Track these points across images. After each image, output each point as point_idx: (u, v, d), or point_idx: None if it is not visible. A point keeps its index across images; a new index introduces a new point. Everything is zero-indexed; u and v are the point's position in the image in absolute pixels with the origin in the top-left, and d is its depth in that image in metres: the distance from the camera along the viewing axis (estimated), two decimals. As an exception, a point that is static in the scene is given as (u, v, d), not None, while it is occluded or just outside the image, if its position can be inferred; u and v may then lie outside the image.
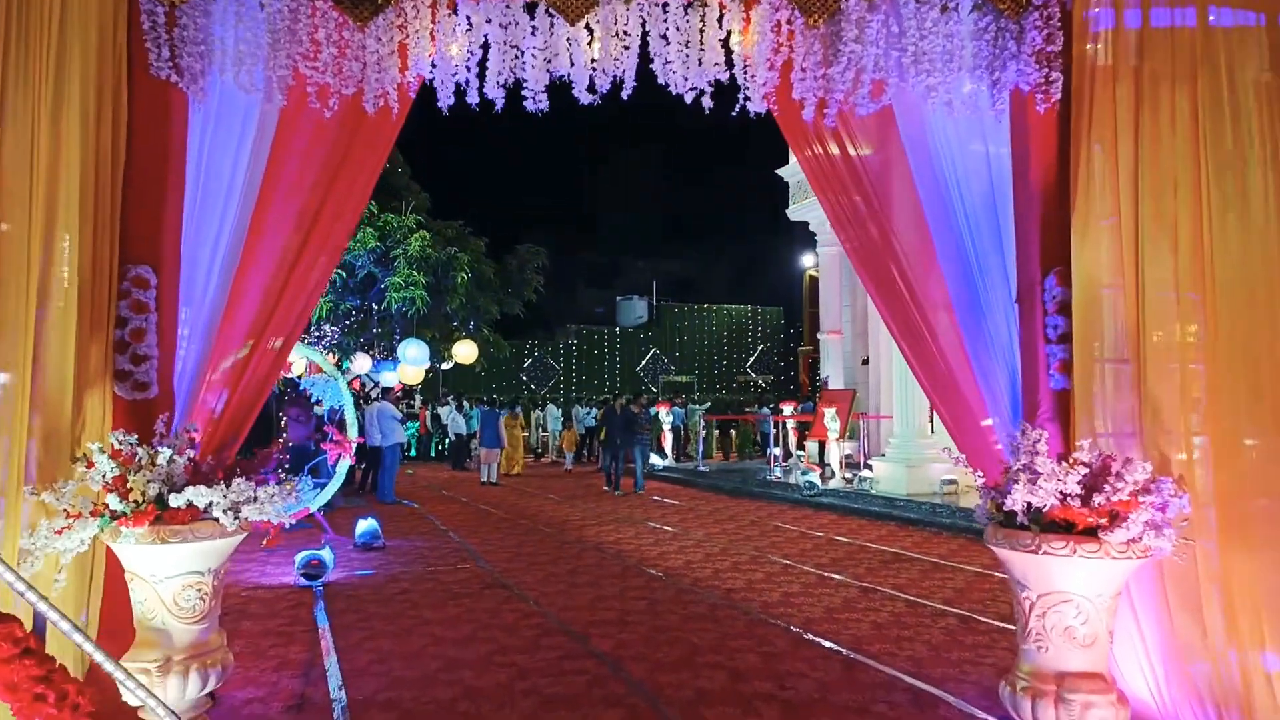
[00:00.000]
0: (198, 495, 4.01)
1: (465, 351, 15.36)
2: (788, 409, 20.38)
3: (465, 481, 19.72)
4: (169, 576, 4.08)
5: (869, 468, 14.92)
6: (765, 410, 24.72)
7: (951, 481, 13.33)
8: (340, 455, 11.14)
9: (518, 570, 9.23)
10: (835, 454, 14.85)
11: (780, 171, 21.62)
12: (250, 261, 4.73)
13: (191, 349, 4.67)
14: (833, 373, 20.70)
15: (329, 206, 4.88)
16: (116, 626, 4.25)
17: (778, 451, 20.18)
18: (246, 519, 4.14)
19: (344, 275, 12.75)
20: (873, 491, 13.95)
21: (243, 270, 4.72)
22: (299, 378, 11.93)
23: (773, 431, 19.16)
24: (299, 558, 8.42)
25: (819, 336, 21.18)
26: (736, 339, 40.43)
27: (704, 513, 14.19)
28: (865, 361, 20.77)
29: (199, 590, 4.16)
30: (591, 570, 9.21)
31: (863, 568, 9.37)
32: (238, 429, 4.71)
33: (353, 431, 11.21)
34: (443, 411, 26.17)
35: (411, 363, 13.32)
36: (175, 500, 3.99)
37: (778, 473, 17.75)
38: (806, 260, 33.28)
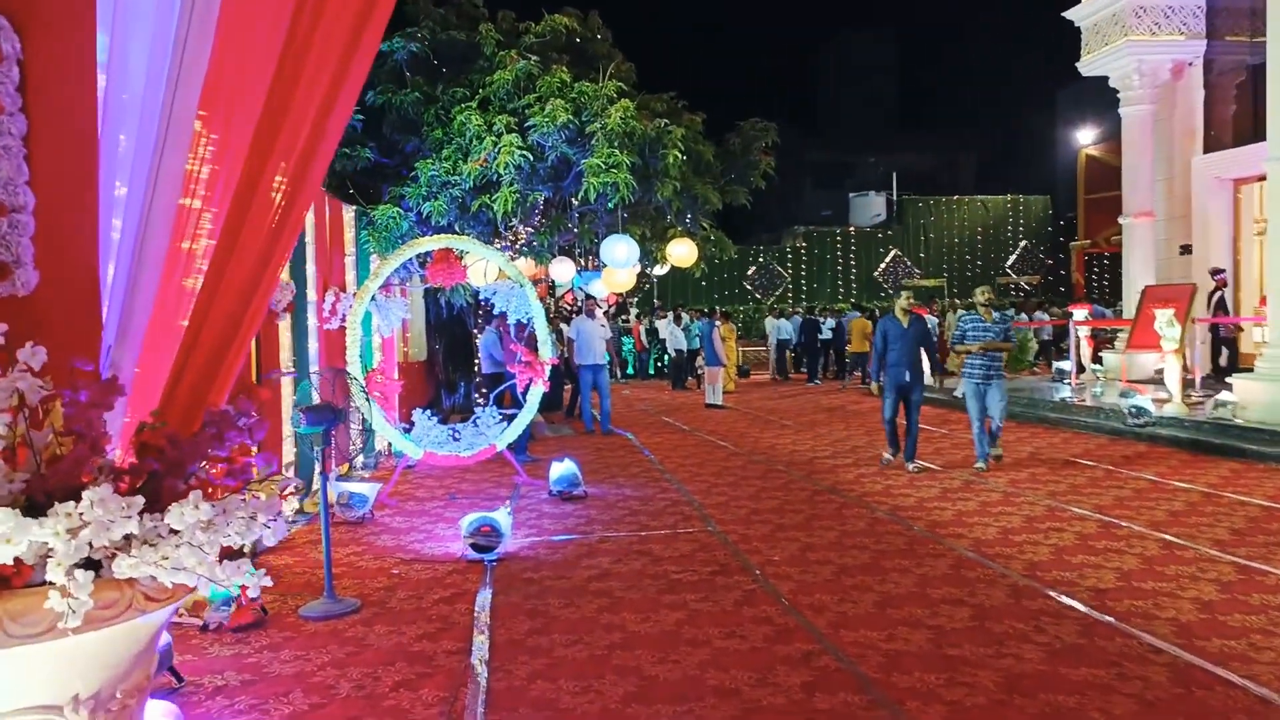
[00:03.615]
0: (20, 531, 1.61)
1: (682, 252, 12.75)
2: (1079, 313, 16.40)
3: (686, 405, 17.41)
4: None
5: (1228, 387, 11.01)
6: (1045, 315, 20.59)
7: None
8: (531, 380, 8.94)
9: (760, 540, 6.63)
10: (1174, 371, 11.07)
11: (1069, 15, 17.10)
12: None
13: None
14: (1140, 264, 16.37)
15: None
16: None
17: (1064, 365, 16.34)
18: (157, 585, 1.71)
19: (530, 158, 10.35)
20: (1237, 420, 10.14)
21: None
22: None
23: (1072, 341, 15.28)
24: (467, 522, 6.24)
25: (1121, 220, 16.77)
26: (993, 235, 35.27)
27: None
28: (1185, 250, 16.27)
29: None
30: (867, 545, 6.45)
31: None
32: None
33: (546, 350, 8.96)
34: (660, 325, 23.97)
35: (618, 263, 10.90)
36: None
37: (1067, 392, 14.04)
38: (1083, 136, 27.90)
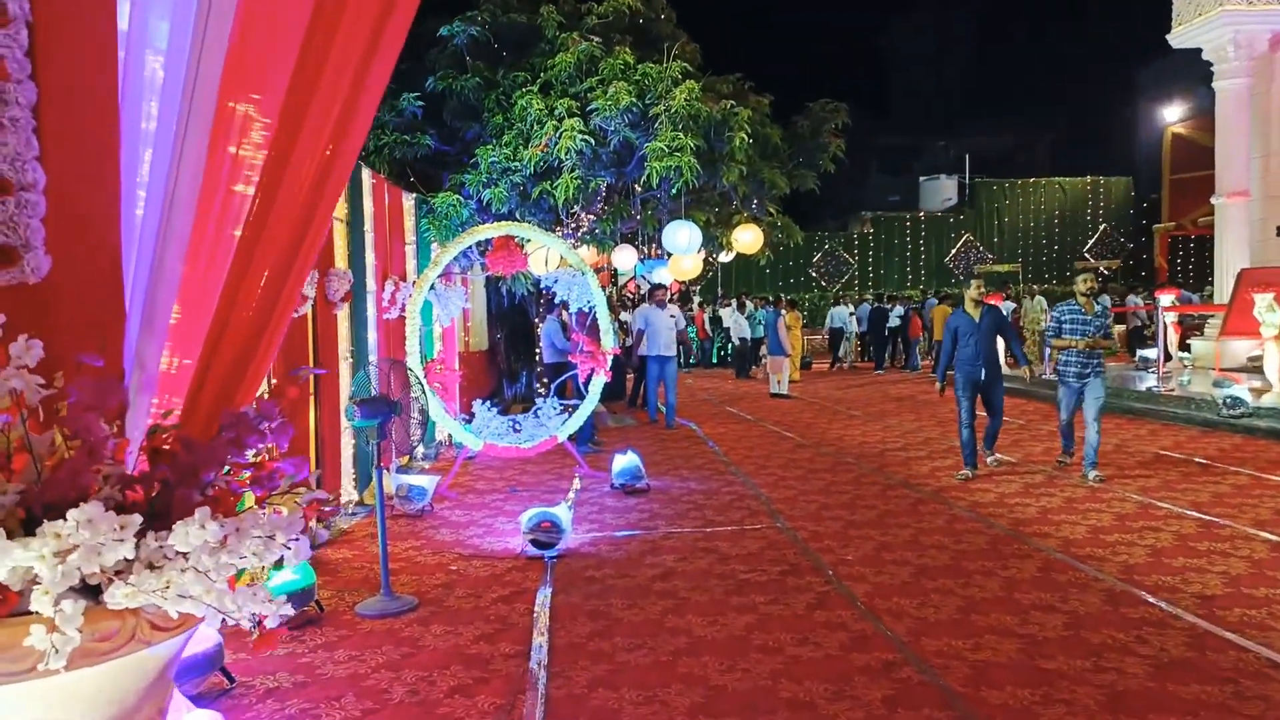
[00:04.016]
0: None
1: (748, 238, 12.41)
2: (1166, 298, 15.63)
3: (750, 394, 17.06)
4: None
5: (1335, 377, 10.30)
6: (1137, 300, 19.67)
7: None
8: (593, 370, 8.73)
9: (831, 537, 6.32)
10: (1274, 358, 10.38)
11: (1159, -16, 16.23)
12: None
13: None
14: (1233, 247, 15.50)
15: None
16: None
17: (1149, 354, 15.60)
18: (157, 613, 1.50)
19: (592, 143, 10.12)
20: (1347, 414, 9.46)
21: None
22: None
23: (1159, 328, 14.53)
24: (526, 517, 6.06)
25: (1213, 201, 15.89)
26: (1071, 218, 33.93)
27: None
28: (1284, 231, 15.34)
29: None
30: (946, 544, 6.10)
31: None
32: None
33: (608, 340, 8.74)
34: (724, 313, 23.65)
35: (681, 249, 10.61)
36: None
37: (1153, 382, 13.33)
38: (1169, 113, 26.66)
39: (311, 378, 6.34)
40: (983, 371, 8.35)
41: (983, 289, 8.76)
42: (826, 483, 8.33)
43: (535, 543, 5.98)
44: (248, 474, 1.75)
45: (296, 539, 1.68)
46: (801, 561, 5.76)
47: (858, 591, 5.10)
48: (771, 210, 13.23)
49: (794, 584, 5.28)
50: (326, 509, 2.36)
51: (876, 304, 22.88)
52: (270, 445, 1.79)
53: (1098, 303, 8.51)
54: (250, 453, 1.76)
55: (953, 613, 4.73)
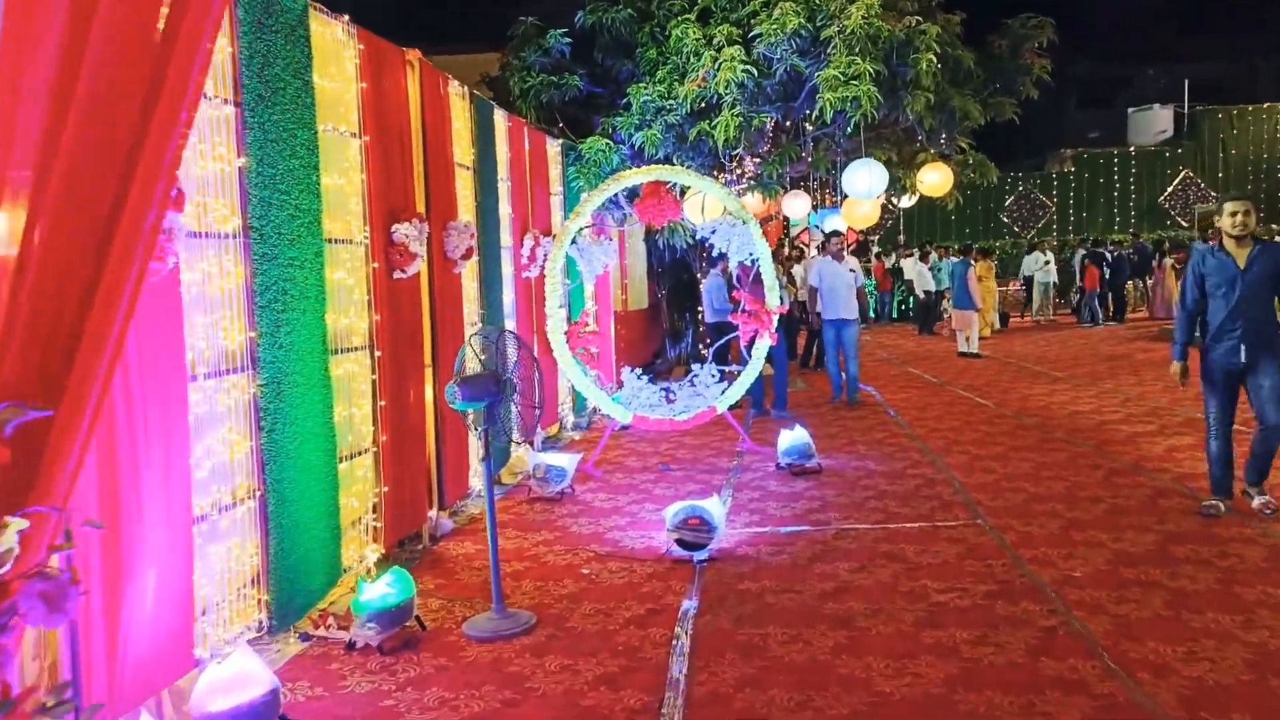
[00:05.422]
0: None
1: (936, 179, 10.87)
2: None
3: (936, 353, 15.46)
4: None
5: None
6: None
7: None
8: (757, 332, 7.66)
9: (1047, 542, 5.04)
10: None
11: None
12: None
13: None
14: None
15: None
16: None
17: None
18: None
19: (754, 74, 8.91)
20: None
21: None
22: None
23: None
24: (671, 512, 5.13)
25: None
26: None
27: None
28: None
29: None
30: (1208, 559, 4.70)
31: None
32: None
33: (774, 298, 7.63)
34: (905, 264, 21.82)
35: (860, 193, 9.29)
36: None
37: None
38: None
39: (428, 344, 5.62)
40: (1243, 350, 5.27)
41: (1247, 209, 5.31)
42: (1033, 465, 6.96)
43: (681, 542, 5.05)
44: None
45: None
46: (1013, 577, 4.55)
47: (1096, 630, 3.87)
48: (963, 145, 11.56)
49: (1006, 613, 4.10)
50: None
51: (1093, 249, 20.34)
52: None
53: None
54: None
55: (1242, 670, 3.43)
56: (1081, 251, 20.64)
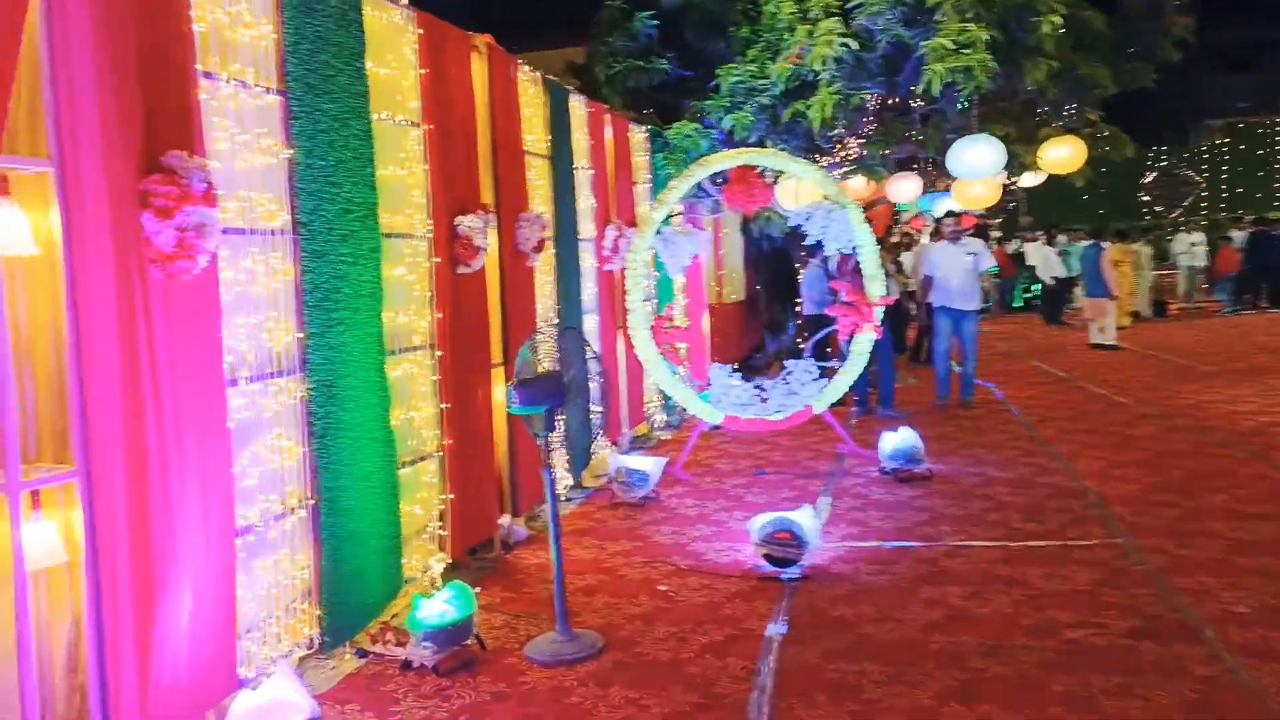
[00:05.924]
0: None
1: (1064, 154, 9.87)
2: None
3: (1064, 345, 14.33)
4: None
5: None
6: None
7: None
8: (858, 326, 7.04)
9: (1203, 568, 4.31)
10: None
11: None
12: None
13: None
14: None
15: None
16: None
17: None
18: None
19: (853, 48, 8.25)
20: None
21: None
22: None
23: None
24: (757, 525, 4.63)
25: None
26: None
27: None
28: None
29: None
30: (1407, 591, 3.91)
31: None
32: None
33: (876, 288, 6.99)
34: (1029, 249, 20.41)
35: (970, 172, 8.49)
36: None
37: None
38: None
39: (498, 342, 5.28)
40: None
41: None
42: (1183, 474, 6.13)
43: (769, 558, 4.55)
44: None
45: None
46: (1161, 611, 3.87)
47: (1270, 684, 3.18)
48: (1093, 117, 10.55)
49: (1153, 657, 3.45)
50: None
51: (1258, 229, 18.51)
52: None
53: None
54: None
55: None
56: (1244, 233, 18.81)
